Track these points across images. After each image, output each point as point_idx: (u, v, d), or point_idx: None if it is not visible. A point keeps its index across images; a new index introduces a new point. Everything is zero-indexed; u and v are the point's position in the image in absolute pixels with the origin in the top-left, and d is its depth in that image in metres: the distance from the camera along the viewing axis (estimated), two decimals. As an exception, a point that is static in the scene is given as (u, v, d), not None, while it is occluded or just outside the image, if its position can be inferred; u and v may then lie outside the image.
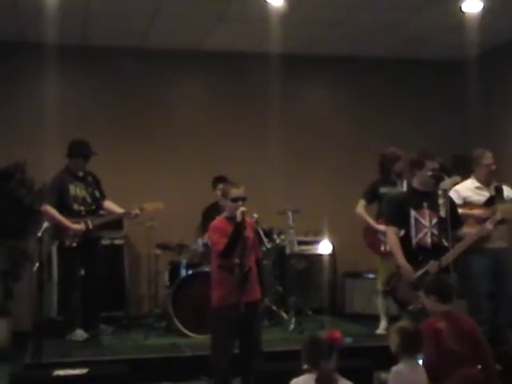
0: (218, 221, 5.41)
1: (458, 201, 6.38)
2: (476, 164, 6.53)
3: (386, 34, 8.26)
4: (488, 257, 6.26)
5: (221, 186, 6.98)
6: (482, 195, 6.38)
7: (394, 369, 4.14)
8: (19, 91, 8.31)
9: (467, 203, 6.37)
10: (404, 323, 4.38)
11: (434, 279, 4.98)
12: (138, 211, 6.93)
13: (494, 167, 6.48)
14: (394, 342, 4.18)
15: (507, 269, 6.38)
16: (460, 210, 6.23)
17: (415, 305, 5.43)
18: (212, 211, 7.42)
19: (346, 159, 9.00)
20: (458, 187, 6.51)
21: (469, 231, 5.66)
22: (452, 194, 6.42)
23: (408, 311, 5.50)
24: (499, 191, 6.38)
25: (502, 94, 8.87)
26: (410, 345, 4.17)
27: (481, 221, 6.07)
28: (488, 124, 8.97)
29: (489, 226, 5.71)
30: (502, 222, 5.96)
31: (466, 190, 6.47)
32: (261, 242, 7.06)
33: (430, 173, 5.51)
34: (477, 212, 6.22)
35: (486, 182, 6.46)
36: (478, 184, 6.47)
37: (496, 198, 6.31)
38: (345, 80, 9.30)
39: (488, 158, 6.48)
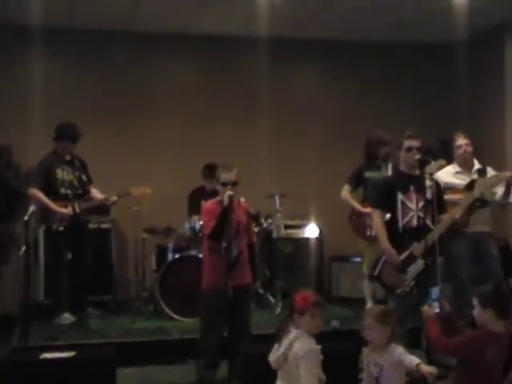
0: (211, 204, 5.44)
1: None
2: (452, 148, 6.47)
3: (373, 17, 8.24)
4: (468, 240, 6.23)
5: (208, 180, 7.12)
6: (463, 179, 6.30)
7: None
8: (5, 74, 8.24)
9: (448, 188, 6.34)
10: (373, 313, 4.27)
11: (493, 289, 4.17)
12: (115, 198, 6.92)
13: (468, 149, 6.36)
14: (383, 334, 4.10)
15: (487, 252, 6.34)
16: None
17: (402, 288, 5.48)
18: (198, 195, 7.47)
19: (333, 143, 9.01)
20: (439, 173, 6.41)
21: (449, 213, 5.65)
22: None
23: (395, 295, 5.54)
24: (482, 173, 6.31)
25: (489, 78, 8.89)
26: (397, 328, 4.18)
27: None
28: (475, 108, 9.01)
29: (468, 199, 5.73)
30: (481, 197, 5.96)
31: (446, 175, 6.38)
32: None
33: (407, 151, 5.51)
34: (455, 197, 6.11)
35: (465, 166, 6.39)
36: (458, 169, 6.40)
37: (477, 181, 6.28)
38: (332, 63, 9.29)
39: (459, 139, 6.38)
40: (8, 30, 8.12)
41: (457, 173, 6.41)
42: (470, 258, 6.29)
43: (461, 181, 6.31)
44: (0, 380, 4.52)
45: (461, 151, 6.38)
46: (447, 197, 6.13)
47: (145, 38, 8.62)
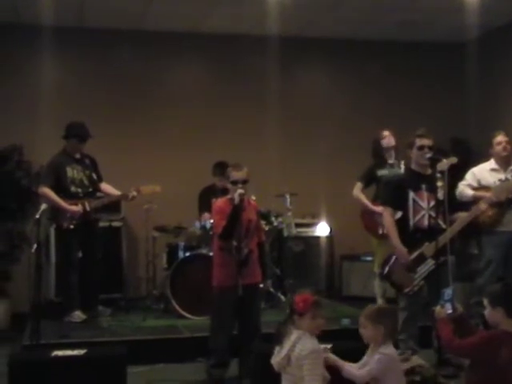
0: (222, 202, 5.46)
1: (473, 183, 6.34)
2: (491, 145, 6.41)
3: (384, 16, 8.21)
4: (499, 240, 6.20)
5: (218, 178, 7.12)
6: (497, 178, 6.26)
7: (387, 351, 4.06)
8: (15, 73, 8.27)
9: (482, 186, 6.29)
10: (370, 311, 4.25)
11: (502, 288, 4.12)
12: (134, 193, 6.91)
13: (508, 147, 6.31)
14: (375, 332, 4.09)
15: None
16: (472, 193, 6.21)
17: (411, 287, 5.46)
18: (208, 193, 7.46)
19: (343, 142, 8.98)
20: (474, 169, 6.42)
21: (462, 214, 5.63)
22: (468, 175, 6.39)
23: (404, 294, 5.53)
24: None
25: (501, 77, 8.84)
26: (395, 327, 4.20)
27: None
28: (487, 107, 8.96)
29: (482, 206, 5.69)
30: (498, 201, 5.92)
31: (482, 171, 6.37)
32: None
33: (419, 150, 5.50)
34: (488, 195, 6.04)
35: (502, 164, 6.34)
36: (495, 166, 6.36)
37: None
38: (342, 63, 9.27)
39: (500, 136, 6.34)
40: (18, 28, 8.15)
41: (492, 170, 6.36)
42: (499, 258, 6.24)
43: (494, 179, 6.27)
44: (12, 377, 4.54)
45: (500, 148, 6.32)
46: (479, 194, 6.10)
47: (154, 37, 8.63)
